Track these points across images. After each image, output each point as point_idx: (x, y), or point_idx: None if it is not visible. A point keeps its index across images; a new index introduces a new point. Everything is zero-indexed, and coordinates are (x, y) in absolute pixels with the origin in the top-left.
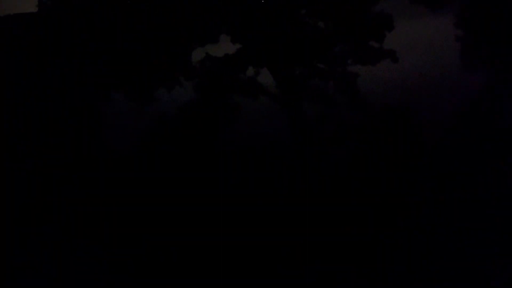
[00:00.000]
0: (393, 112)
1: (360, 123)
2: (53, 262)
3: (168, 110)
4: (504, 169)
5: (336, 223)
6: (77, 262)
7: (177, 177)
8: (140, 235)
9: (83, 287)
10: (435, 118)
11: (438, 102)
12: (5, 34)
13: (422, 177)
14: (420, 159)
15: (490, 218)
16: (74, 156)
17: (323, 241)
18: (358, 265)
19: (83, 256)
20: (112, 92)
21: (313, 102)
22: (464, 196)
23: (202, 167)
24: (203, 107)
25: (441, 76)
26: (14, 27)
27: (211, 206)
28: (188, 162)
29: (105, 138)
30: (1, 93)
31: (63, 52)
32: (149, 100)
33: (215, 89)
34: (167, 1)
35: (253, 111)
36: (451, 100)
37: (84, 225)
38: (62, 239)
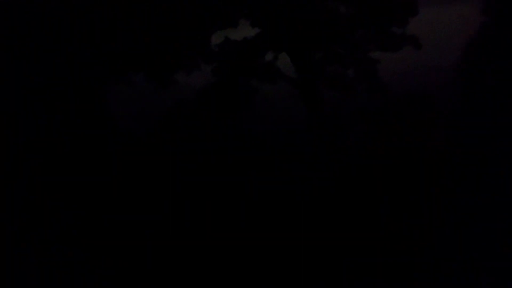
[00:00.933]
0: (414, 100)
1: (379, 110)
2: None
3: (186, 93)
4: None
5: (354, 211)
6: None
7: (194, 162)
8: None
9: None
10: (458, 108)
11: (462, 91)
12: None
13: (443, 167)
14: (441, 148)
15: None
16: (88, 141)
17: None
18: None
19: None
20: (131, 75)
21: (332, 88)
22: (487, 190)
23: (219, 151)
24: (221, 91)
25: (466, 64)
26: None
27: (228, 191)
28: (205, 146)
29: (122, 121)
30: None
31: (80, 33)
32: (168, 83)
33: (234, 73)
34: None
35: (271, 96)
36: (476, 90)
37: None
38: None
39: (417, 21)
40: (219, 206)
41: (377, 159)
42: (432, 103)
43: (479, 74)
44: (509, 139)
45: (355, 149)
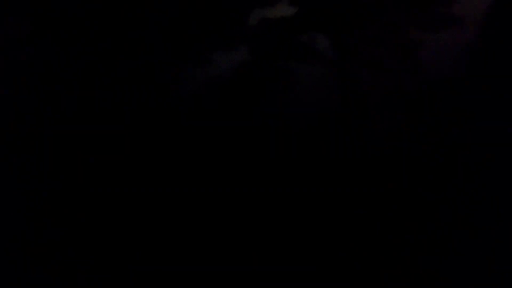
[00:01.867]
0: (453, 84)
1: (418, 94)
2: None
3: (223, 72)
4: None
5: (387, 198)
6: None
7: (230, 142)
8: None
9: None
10: (500, 95)
11: (507, 77)
12: None
13: (482, 157)
14: (478, 136)
15: None
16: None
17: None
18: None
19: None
20: (168, 55)
21: (371, 69)
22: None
23: (254, 132)
24: (258, 71)
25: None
26: None
27: (262, 172)
28: (240, 127)
29: (161, 101)
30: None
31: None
32: (206, 62)
33: (271, 53)
34: None
35: (307, 77)
36: None
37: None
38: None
39: (462, 1)
40: (251, 189)
41: (413, 144)
42: (472, 88)
43: None
44: None
45: (391, 132)
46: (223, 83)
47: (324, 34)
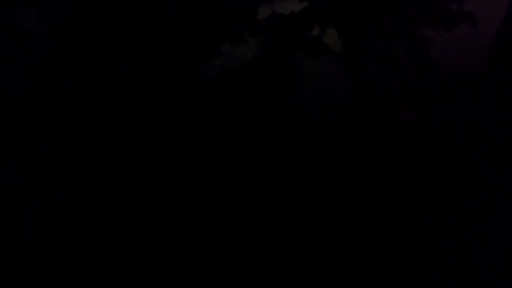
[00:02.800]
0: (466, 81)
1: (429, 90)
2: None
3: (231, 66)
4: None
5: (398, 191)
6: None
7: (238, 135)
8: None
9: None
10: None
11: None
12: None
13: (496, 154)
14: (493, 133)
15: None
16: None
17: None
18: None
19: None
20: (180, 50)
21: (381, 65)
22: None
23: (263, 125)
24: (266, 65)
25: None
26: None
27: (272, 166)
28: (249, 121)
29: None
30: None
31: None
32: (215, 54)
33: (280, 47)
34: None
35: (317, 71)
36: None
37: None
38: None
39: None
40: (263, 179)
41: (425, 139)
42: (484, 85)
43: None
44: None
45: (402, 128)
46: (233, 77)
47: (333, 28)
